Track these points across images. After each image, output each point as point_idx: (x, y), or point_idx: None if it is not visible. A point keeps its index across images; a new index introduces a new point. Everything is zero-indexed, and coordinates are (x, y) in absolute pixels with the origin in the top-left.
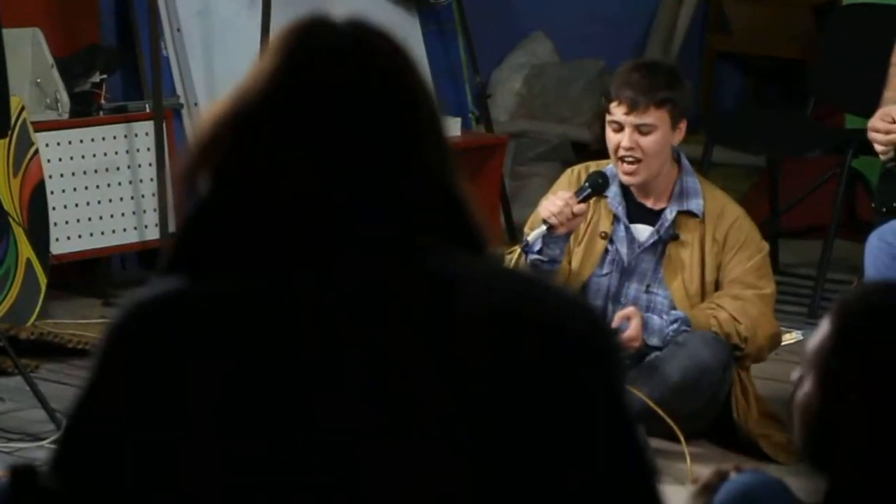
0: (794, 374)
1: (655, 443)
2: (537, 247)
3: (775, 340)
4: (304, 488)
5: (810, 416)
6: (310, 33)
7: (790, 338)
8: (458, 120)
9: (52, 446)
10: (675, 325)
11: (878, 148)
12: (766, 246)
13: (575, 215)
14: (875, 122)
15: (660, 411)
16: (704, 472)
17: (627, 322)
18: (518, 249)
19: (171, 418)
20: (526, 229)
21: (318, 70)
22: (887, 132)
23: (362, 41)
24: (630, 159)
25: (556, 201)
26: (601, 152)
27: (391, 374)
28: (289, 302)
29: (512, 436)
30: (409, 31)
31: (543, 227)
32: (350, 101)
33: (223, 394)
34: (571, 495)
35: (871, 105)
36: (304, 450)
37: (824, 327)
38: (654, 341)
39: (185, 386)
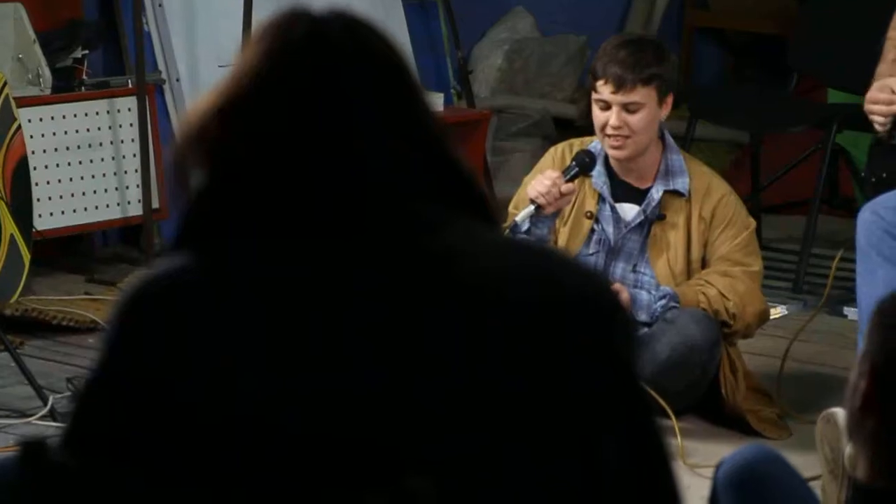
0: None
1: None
2: (525, 227)
3: (763, 317)
4: (311, 460)
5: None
6: (291, 23)
7: (775, 313)
8: (440, 95)
9: (40, 423)
10: (663, 301)
11: (876, 119)
12: (752, 223)
13: (563, 195)
14: (874, 93)
15: (648, 389)
16: (695, 447)
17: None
18: (505, 227)
19: (181, 392)
20: (510, 208)
21: (300, 56)
22: (889, 103)
23: (343, 27)
24: (618, 136)
25: (543, 181)
26: (586, 128)
27: (398, 346)
28: (294, 276)
29: (518, 405)
30: (390, 7)
31: (531, 208)
32: (340, 83)
33: (232, 367)
34: (581, 465)
35: (852, 79)
36: (311, 421)
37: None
38: (643, 317)
39: (195, 360)
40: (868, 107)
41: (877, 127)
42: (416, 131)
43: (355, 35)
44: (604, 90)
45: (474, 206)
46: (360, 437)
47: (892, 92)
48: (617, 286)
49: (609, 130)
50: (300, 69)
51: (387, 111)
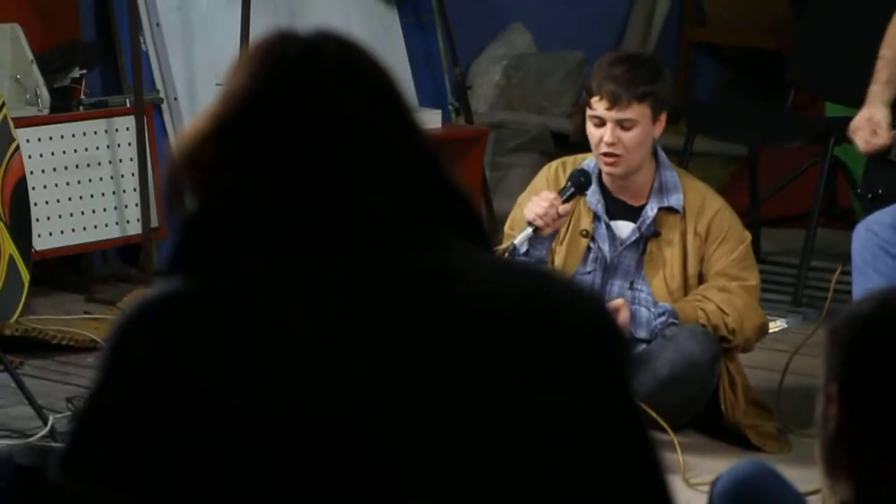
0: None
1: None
2: (524, 249)
3: (762, 331)
4: (306, 483)
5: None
6: (281, 45)
7: (774, 326)
8: (438, 112)
9: (40, 443)
10: (662, 318)
11: (859, 146)
12: (748, 236)
13: (560, 215)
14: (859, 123)
15: (645, 406)
16: (695, 462)
17: (615, 314)
18: (504, 250)
19: (178, 414)
20: (507, 229)
21: (292, 78)
22: (867, 142)
23: (333, 49)
24: (612, 154)
25: (540, 202)
26: (581, 145)
27: (393, 368)
28: (289, 298)
29: (514, 426)
30: (387, 23)
31: (529, 230)
32: (327, 104)
33: (229, 389)
34: (578, 485)
35: (850, 93)
36: (309, 446)
37: (832, 354)
38: (642, 334)
39: (192, 382)
40: (851, 134)
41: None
42: (409, 151)
43: (346, 56)
44: (598, 106)
45: (468, 226)
46: (357, 460)
47: (874, 132)
48: (618, 303)
49: (603, 148)
50: (291, 90)
51: (378, 132)
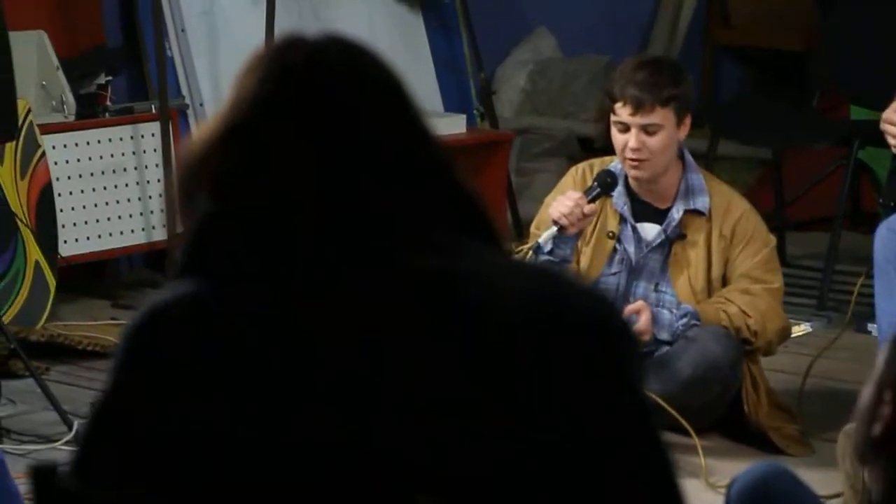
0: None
1: (667, 436)
2: (548, 248)
3: (784, 334)
4: (316, 483)
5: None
6: (289, 49)
7: (799, 330)
8: (463, 117)
9: (65, 448)
10: (684, 320)
11: (891, 141)
12: (772, 240)
13: (585, 215)
14: (890, 114)
15: (668, 407)
16: (717, 465)
17: (637, 316)
18: (526, 248)
19: (188, 418)
20: (532, 229)
21: (300, 81)
22: None
23: (341, 52)
24: (637, 159)
25: (565, 202)
26: (606, 149)
27: (404, 369)
28: (300, 302)
29: (524, 425)
30: (412, 28)
31: (554, 229)
32: (335, 107)
33: (238, 392)
34: (588, 488)
35: (876, 95)
36: (316, 449)
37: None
38: (664, 335)
39: (202, 386)
40: (883, 126)
41: (892, 146)
42: (418, 154)
43: (354, 60)
44: (622, 112)
45: (479, 228)
46: (366, 459)
47: None
48: (639, 305)
49: (629, 153)
50: (299, 94)
51: (388, 135)
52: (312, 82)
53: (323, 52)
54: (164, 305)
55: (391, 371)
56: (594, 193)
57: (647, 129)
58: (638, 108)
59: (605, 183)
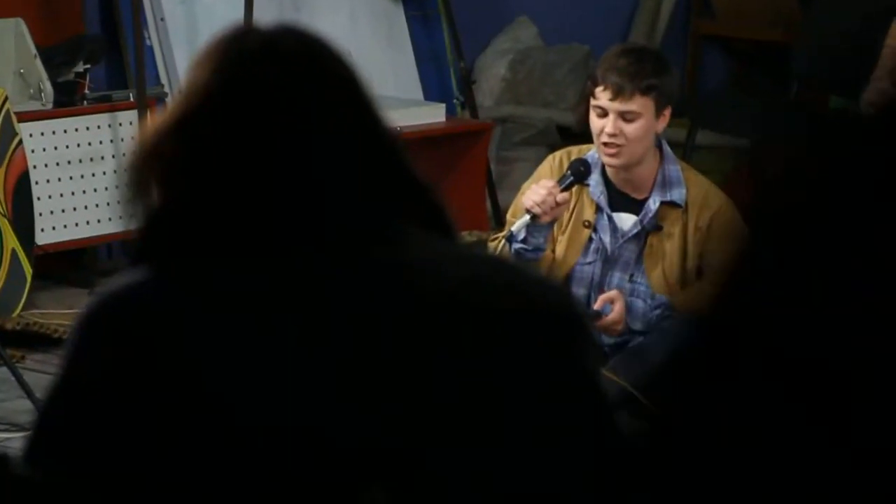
0: None
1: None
2: (521, 236)
3: None
4: (271, 475)
5: None
6: (242, 39)
7: None
8: (443, 106)
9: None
10: (658, 311)
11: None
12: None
13: (558, 204)
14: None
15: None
16: None
17: (610, 305)
18: (502, 237)
19: (141, 404)
20: (509, 216)
21: (253, 72)
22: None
23: (295, 42)
24: (613, 144)
25: (538, 190)
26: (584, 135)
27: (363, 360)
28: (254, 292)
29: (483, 413)
30: (392, 17)
31: (527, 217)
32: (289, 98)
33: (190, 379)
34: (544, 473)
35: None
36: (270, 435)
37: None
38: (638, 326)
39: (155, 372)
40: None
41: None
42: (372, 145)
43: (307, 49)
44: (602, 97)
45: (432, 218)
46: (315, 447)
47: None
48: (613, 294)
49: (605, 138)
50: (252, 84)
51: (340, 126)
52: (261, 73)
53: (276, 43)
54: (119, 292)
55: (341, 360)
56: (567, 182)
57: (625, 116)
58: (618, 93)
59: (579, 172)
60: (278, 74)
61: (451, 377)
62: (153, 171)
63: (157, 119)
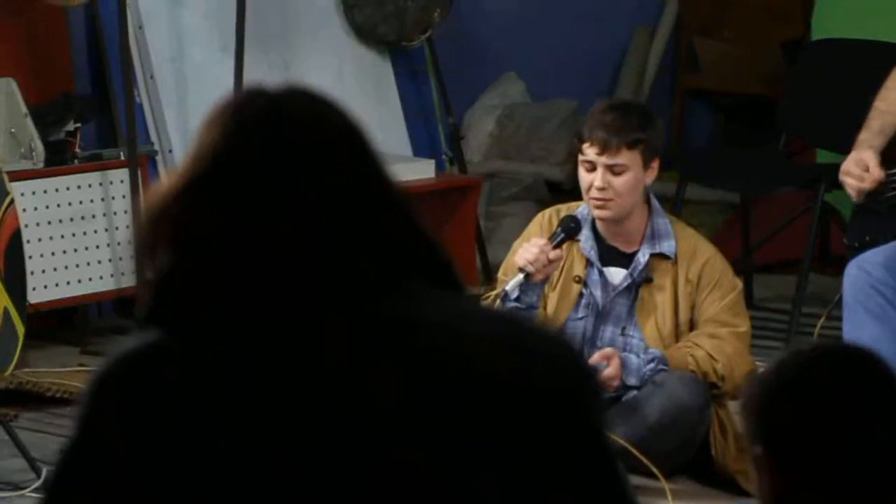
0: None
1: (636, 480)
2: (514, 295)
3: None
4: None
5: None
6: (247, 102)
7: None
8: (432, 161)
9: (33, 495)
10: (652, 365)
11: (850, 192)
12: (739, 284)
13: (551, 261)
14: (849, 165)
15: (636, 452)
16: None
17: (606, 362)
18: (493, 294)
19: (153, 468)
20: (500, 275)
21: (261, 133)
22: (860, 179)
23: (300, 103)
24: (602, 199)
25: (531, 249)
26: (574, 192)
27: (368, 426)
28: (262, 355)
29: (485, 479)
30: (381, 74)
31: (520, 276)
32: (298, 159)
33: (202, 443)
34: None
35: (841, 140)
36: (283, 500)
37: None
38: (633, 381)
39: (167, 436)
40: (841, 177)
41: (851, 196)
42: (379, 203)
43: (314, 111)
44: (589, 151)
45: (440, 275)
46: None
47: (865, 168)
48: (609, 351)
49: (594, 192)
50: (258, 146)
51: (348, 185)
52: (272, 135)
53: (283, 105)
54: (133, 354)
55: (354, 418)
56: (559, 239)
57: (614, 169)
58: (605, 148)
59: (569, 228)
60: (284, 136)
61: (461, 436)
62: (161, 232)
63: (164, 182)
